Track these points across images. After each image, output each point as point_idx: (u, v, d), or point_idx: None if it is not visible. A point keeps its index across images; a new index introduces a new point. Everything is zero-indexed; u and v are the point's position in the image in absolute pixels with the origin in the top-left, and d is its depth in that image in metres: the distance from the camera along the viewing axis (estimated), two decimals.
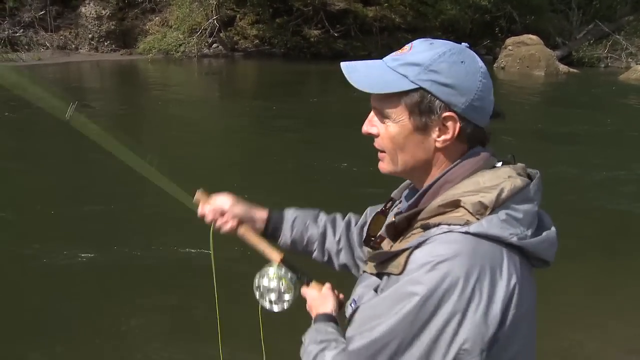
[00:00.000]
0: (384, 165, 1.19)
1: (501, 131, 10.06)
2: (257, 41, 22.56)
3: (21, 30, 21.16)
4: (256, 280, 1.49)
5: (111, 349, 3.86)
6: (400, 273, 1.06)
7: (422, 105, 1.10)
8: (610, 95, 15.64)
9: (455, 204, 1.06)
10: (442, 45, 1.12)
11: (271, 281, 1.46)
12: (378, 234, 1.25)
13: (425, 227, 1.08)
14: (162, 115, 11.49)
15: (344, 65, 1.18)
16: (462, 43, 1.17)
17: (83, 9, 22.23)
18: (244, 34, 22.67)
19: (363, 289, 1.18)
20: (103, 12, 22.03)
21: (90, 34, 21.97)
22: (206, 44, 21.59)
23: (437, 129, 1.11)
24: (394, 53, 1.16)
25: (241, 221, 1.54)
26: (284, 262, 1.49)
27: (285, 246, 1.58)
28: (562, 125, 10.79)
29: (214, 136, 10.16)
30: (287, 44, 21.85)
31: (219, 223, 1.55)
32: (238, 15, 22.94)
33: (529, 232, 1.06)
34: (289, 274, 1.47)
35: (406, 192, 1.29)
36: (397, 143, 1.14)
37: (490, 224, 1.02)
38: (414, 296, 0.99)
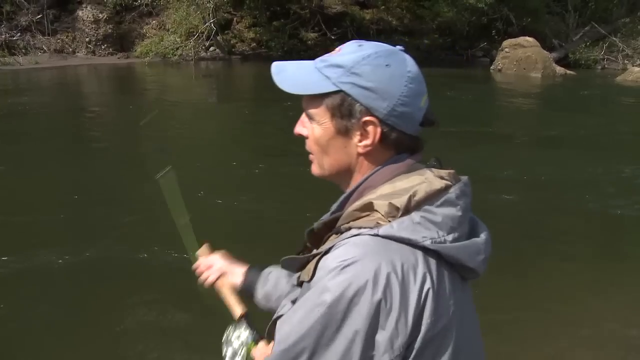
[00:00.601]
0: (313, 168, 1.18)
1: (495, 133, 10.02)
2: (254, 44, 22.59)
3: (18, 34, 21.16)
4: (224, 336, 1.46)
5: (104, 350, 3.86)
6: (310, 280, 1.03)
7: (342, 108, 1.07)
8: (607, 97, 15.70)
9: (369, 208, 1.03)
10: (370, 48, 1.08)
11: (227, 342, 1.43)
12: (305, 244, 1.20)
13: (338, 232, 1.06)
14: (160, 118, 11.48)
15: (274, 64, 1.18)
16: (397, 46, 1.13)
17: (80, 13, 22.23)
18: (241, 37, 22.69)
19: (284, 301, 1.16)
20: (100, 15, 22.04)
21: (87, 37, 21.97)
22: (203, 47, 21.60)
23: (358, 133, 1.08)
24: (326, 54, 1.14)
25: (224, 275, 1.57)
26: (245, 317, 1.46)
27: (259, 301, 1.53)
28: (558, 127, 10.81)
29: (211, 138, 10.16)
30: (284, 47, 21.88)
31: (202, 277, 1.61)
32: (235, 19, 22.97)
33: (450, 237, 1.02)
34: (245, 332, 1.42)
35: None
36: (321, 146, 1.12)
37: (401, 227, 0.99)
38: (321, 305, 0.96)
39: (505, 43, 20.11)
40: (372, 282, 0.95)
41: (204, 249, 1.66)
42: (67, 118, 11.67)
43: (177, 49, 20.94)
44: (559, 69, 19.47)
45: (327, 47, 21.52)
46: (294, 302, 1.09)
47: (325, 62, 1.11)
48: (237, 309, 1.49)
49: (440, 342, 1.00)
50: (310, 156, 1.17)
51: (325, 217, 1.15)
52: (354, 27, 22.05)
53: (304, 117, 1.16)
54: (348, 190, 1.12)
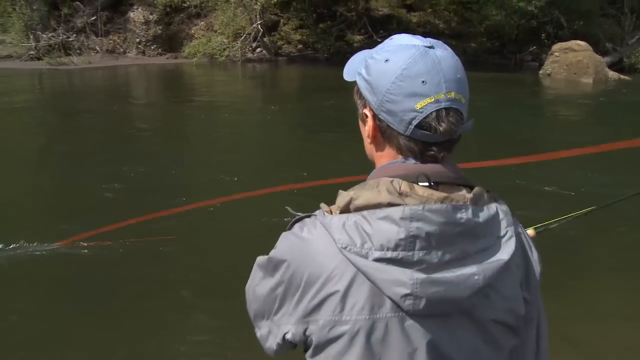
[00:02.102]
0: None
1: (539, 141, 9.73)
2: (301, 46, 22.70)
3: (74, 35, 21.81)
4: None
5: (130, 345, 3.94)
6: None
7: (357, 95, 1.15)
8: None
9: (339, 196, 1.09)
10: (393, 40, 1.10)
11: None
12: None
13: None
14: (206, 118, 11.66)
15: (357, 53, 1.24)
16: (427, 42, 1.07)
17: (131, 14, 22.77)
18: (287, 39, 22.84)
19: None
20: (150, 17, 22.53)
21: (137, 38, 22.49)
22: (250, 49, 21.83)
23: (365, 121, 1.13)
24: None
25: None
26: None
27: None
28: (610, 137, 10.50)
29: (258, 138, 10.26)
30: (330, 49, 21.93)
31: None
32: (282, 20, 23.13)
33: (377, 254, 0.98)
34: None
35: None
36: (360, 129, 1.19)
37: (333, 221, 1.03)
38: (270, 254, 1.11)
39: (555, 47, 19.66)
40: (295, 258, 1.05)
41: None
42: (116, 115, 11.96)
43: (224, 49, 21.22)
44: (612, 74, 18.91)
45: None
46: None
47: (371, 52, 1.14)
48: None
49: (341, 348, 1.01)
50: None
51: None
52: (401, 29, 21.92)
53: None
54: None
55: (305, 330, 1.04)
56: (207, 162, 8.32)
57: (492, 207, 1.06)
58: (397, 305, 0.99)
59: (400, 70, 1.03)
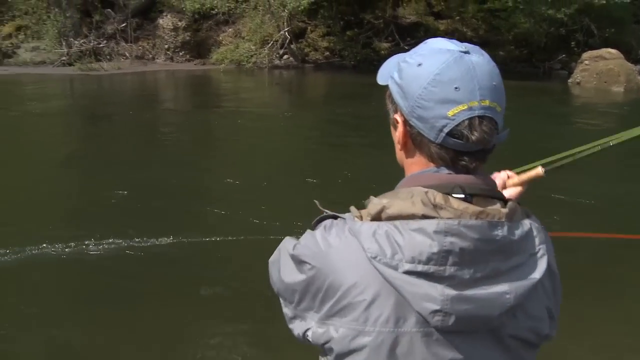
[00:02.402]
0: None
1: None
2: (328, 53, 22.77)
3: (104, 42, 22.20)
4: None
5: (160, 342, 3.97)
6: (312, 226, 1.14)
7: (389, 100, 1.12)
8: None
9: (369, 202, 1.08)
10: (427, 44, 1.08)
11: None
12: None
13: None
14: (233, 123, 11.75)
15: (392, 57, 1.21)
16: (462, 46, 1.04)
17: (161, 21, 23.08)
18: (314, 46, 22.92)
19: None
20: (179, 23, 22.81)
21: (166, 44, 22.78)
22: (277, 55, 21.95)
23: (396, 127, 1.11)
24: None
25: None
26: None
27: None
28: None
29: (284, 145, 10.31)
30: (357, 56, 21.96)
31: None
32: (309, 28, 23.23)
33: (407, 266, 0.95)
34: None
35: None
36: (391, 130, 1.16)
37: (363, 228, 1.01)
38: (294, 249, 1.09)
39: (585, 55, 19.40)
40: (321, 257, 1.04)
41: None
42: (142, 120, 12.12)
43: (252, 56, 21.37)
44: None
45: None
46: None
47: (404, 56, 1.12)
48: None
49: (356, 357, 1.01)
50: None
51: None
52: (428, 37, 21.72)
53: None
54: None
55: (325, 332, 1.02)
56: (229, 168, 8.37)
57: (526, 224, 1.04)
58: (423, 320, 0.97)
59: (432, 76, 1.00)
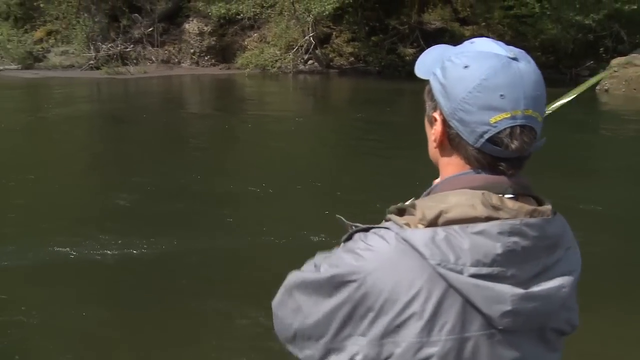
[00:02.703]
0: None
1: (596, 161, 9.41)
2: (352, 59, 22.78)
3: (131, 46, 22.50)
4: None
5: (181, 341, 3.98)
6: (344, 242, 1.07)
7: (428, 96, 1.10)
8: None
9: (412, 207, 1.03)
10: (474, 45, 1.05)
11: None
12: None
13: (386, 219, 1.07)
14: (256, 128, 11.80)
15: (433, 46, 1.19)
16: (516, 51, 1.04)
17: (187, 25, 23.33)
18: (339, 52, 22.95)
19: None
20: (205, 28, 23.03)
21: (192, 49, 23.01)
22: (302, 61, 22.02)
23: (433, 126, 1.09)
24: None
25: None
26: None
27: None
28: None
29: (307, 150, 10.32)
30: (382, 62, 21.93)
31: None
32: (334, 33, 23.27)
33: (472, 270, 0.94)
34: None
35: None
36: (425, 129, 1.14)
37: (420, 236, 0.96)
38: (329, 270, 1.02)
39: (614, 62, 19.11)
40: (370, 273, 0.97)
41: None
42: (167, 124, 12.23)
43: (276, 61, 21.47)
44: None
45: None
46: None
47: (449, 51, 1.11)
48: None
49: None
50: None
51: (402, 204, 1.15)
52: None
53: None
54: (429, 188, 1.12)
55: (381, 352, 0.97)
56: (251, 173, 8.40)
57: (562, 219, 1.07)
58: (487, 323, 0.96)
59: (479, 80, 0.99)
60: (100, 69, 21.12)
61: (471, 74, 1.00)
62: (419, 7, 22.80)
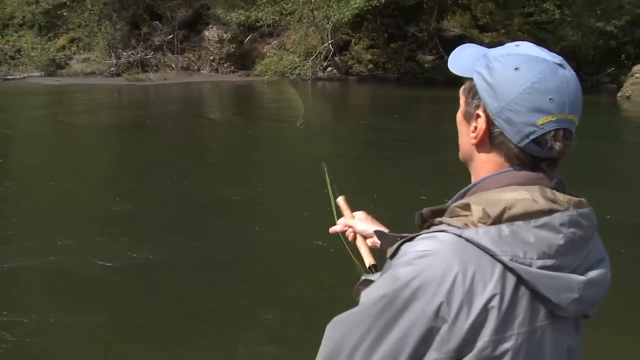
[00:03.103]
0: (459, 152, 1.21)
1: (618, 171, 9.27)
2: (371, 66, 22.80)
3: (152, 53, 22.74)
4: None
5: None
6: (390, 259, 1.05)
7: (469, 95, 1.12)
8: None
9: (466, 208, 1.03)
10: (521, 49, 1.09)
11: None
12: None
13: (431, 224, 1.06)
14: (275, 133, 11.85)
15: (462, 46, 1.22)
16: (559, 57, 1.08)
17: (207, 33, 23.52)
18: (358, 59, 22.99)
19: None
20: (224, 35, 23.19)
21: (211, 56, 23.18)
22: (321, 67, 22.08)
23: (473, 123, 1.11)
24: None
25: (364, 236, 1.69)
26: (374, 267, 1.58)
27: None
28: None
29: (325, 156, 10.33)
30: (401, 69, 21.92)
31: (347, 234, 1.74)
32: (353, 40, 23.32)
33: (539, 262, 0.97)
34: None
35: None
36: (457, 125, 1.17)
37: (485, 234, 0.97)
38: (388, 290, 0.98)
39: (636, 68, 18.90)
40: (437, 280, 0.95)
41: (342, 201, 1.84)
42: (186, 130, 12.32)
43: (295, 68, 21.55)
44: None
45: (443, 70, 21.25)
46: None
47: (485, 51, 1.14)
48: (368, 260, 1.62)
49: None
50: None
51: (437, 206, 1.15)
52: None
53: None
54: (465, 188, 1.13)
55: (457, 357, 0.97)
56: (268, 179, 8.43)
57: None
58: (550, 312, 1.00)
59: (530, 83, 1.03)
60: (121, 76, 21.36)
61: (522, 76, 1.04)
62: (438, 14, 22.77)
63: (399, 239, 1.06)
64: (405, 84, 20.70)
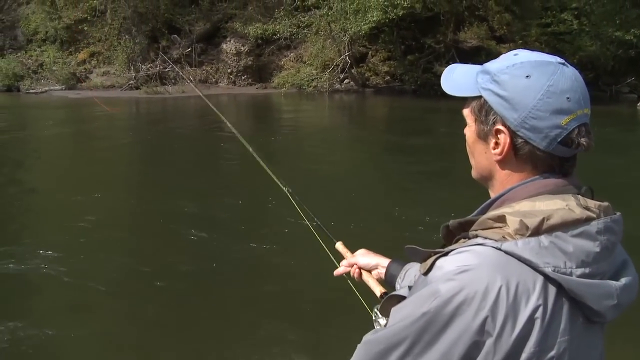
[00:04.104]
0: (472, 172, 1.19)
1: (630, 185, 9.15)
2: (388, 77, 22.83)
3: (170, 66, 23.01)
4: (372, 315, 1.56)
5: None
6: (425, 274, 1.03)
7: (481, 114, 1.10)
8: None
9: (501, 220, 1.01)
10: (522, 57, 1.09)
11: (375, 320, 1.53)
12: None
13: (465, 237, 1.05)
14: (293, 146, 11.89)
15: (448, 67, 1.21)
16: (558, 57, 1.09)
17: (224, 46, 23.73)
18: (375, 71, 23.04)
19: (404, 282, 1.20)
20: (242, 48, 23.39)
21: (229, 69, 23.38)
22: (338, 80, 22.16)
23: (493, 140, 1.09)
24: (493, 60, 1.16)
25: (368, 270, 1.72)
26: (385, 295, 1.58)
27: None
28: None
29: (342, 168, 10.34)
30: (418, 80, 21.92)
31: (351, 273, 1.75)
32: (370, 52, 23.39)
33: (578, 271, 0.97)
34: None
35: None
36: (469, 147, 1.16)
37: (525, 246, 0.96)
38: (429, 306, 0.96)
39: None
40: (481, 295, 0.94)
41: (340, 246, 1.86)
42: (203, 140, 12.41)
43: (313, 80, 21.65)
44: None
45: None
46: (410, 287, 1.14)
47: (483, 67, 1.13)
48: (378, 290, 1.64)
49: None
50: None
51: (464, 218, 1.14)
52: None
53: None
54: (490, 199, 1.11)
55: None
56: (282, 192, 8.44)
57: None
58: (587, 318, 1.01)
59: (546, 87, 1.03)
60: (140, 89, 21.62)
61: (536, 82, 1.04)
62: (455, 26, 22.78)
63: (432, 254, 1.05)
64: (422, 95, 20.69)
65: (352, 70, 22.16)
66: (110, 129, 14.20)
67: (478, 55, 21.62)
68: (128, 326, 4.50)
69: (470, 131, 1.14)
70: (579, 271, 0.97)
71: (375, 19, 19.95)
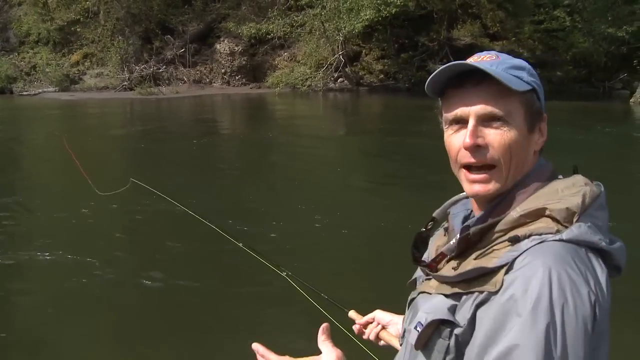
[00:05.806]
0: (491, 186, 1.09)
1: (633, 181, 9.25)
2: (382, 76, 22.86)
3: (164, 67, 22.97)
4: None
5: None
6: (498, 291, 0.98)
7: (534, 107, 1.10)
8: None
9: (539, 214, 1.02)
10: (521, 61, 1.16)
11: None
12: (439, 252, 1.17)
13: (514, 240, 1.01)
14: (287, 145, 11.89)
15: (468, 63, 1.13)
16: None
17: (218, 46, 23.71)
18: (369, 69, 23.06)
19: (432, 310, 1.08)
20: (236, 48, 23.38)
21: (223, 69, 23.36)
22: (332, 79, 22.17)
23: (539, 130, 1.13)
24: (479, 60, 1.15)
25: (384, 326, 1.69)
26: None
27: None
28: None
29: (337, 168, 10.35)
30: (412, 79, 21.95)
31: (364, 337, 1.72)
32: (364, 51, 23.41)
33: (608, 239, 1.04)
34: None
35: (457, 207, 1.26)
36: (513, 149, 1.07)
37: (581, 230, 1.00)
38: (548, 316, 0.93)
39: None
40: (581, 283, 0.96)
41: (354, 314, 1.80)
42: (197, 140, 12.40)
43: (307, 79, 21.65)
44: None
45: None
46: (451, 311, 1.06)
47: (503, 65, 1.10)
48: (397, 343, 1.62)
49: (605, 341, 0.99)
50: (484, 175, 1.10)
51: (475, 222, 1.12)
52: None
53: (475, 126, 1.09)
54: (501, 197, 1.10)
55: None
56: (283, 191, 8.45)
57: None
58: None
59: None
60: (134, 90, 21.58)
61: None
62: (448, 24, 22.83)
63: (496, 270, 1.01)
64: (416, 93, 20.68)
65: (346, 69, 22.18)
66: (105, 128, 14.14)
67: (472, 53, 21.25)
68: (124, 327, 4.50)
69: (516, 130, 1.08)
70: (608, 239, 1.04)
71: (368, 17, 19.96)
